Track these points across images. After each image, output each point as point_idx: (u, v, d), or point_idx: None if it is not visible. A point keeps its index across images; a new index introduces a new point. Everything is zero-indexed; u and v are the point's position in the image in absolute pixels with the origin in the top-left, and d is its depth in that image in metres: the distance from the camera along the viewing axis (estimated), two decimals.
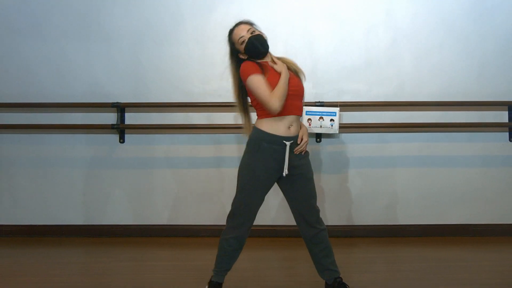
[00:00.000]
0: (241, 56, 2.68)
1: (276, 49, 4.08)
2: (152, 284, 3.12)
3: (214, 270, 2.71)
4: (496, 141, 4.27)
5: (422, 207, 4.27)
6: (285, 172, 2.58)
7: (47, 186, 4.31)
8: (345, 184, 4.28)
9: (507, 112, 4.24)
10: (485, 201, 4.27)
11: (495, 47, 4.25)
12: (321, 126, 4.09)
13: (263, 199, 2.66)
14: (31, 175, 4.31)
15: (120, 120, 4.22)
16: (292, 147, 2.62)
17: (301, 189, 2.65)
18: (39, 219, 4.31)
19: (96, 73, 4.28)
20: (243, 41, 2.63)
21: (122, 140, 4.26)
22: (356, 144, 4.27)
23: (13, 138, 4.30)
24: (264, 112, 2.61)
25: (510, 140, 4.26)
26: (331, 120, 4.09)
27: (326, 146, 4.26)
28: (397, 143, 4.27)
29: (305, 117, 4.08)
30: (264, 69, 2.63)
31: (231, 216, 2.65)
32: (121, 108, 4.22)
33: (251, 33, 2.64)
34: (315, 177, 4.10)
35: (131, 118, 4.26)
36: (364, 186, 4.28)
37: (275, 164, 2.60)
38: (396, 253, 3.81)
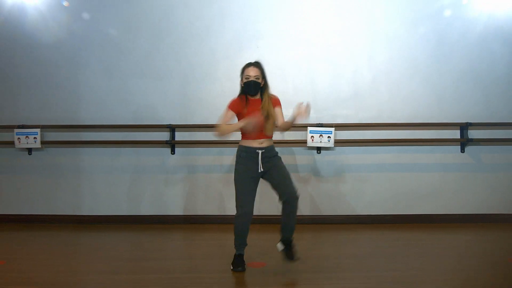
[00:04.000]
0: (241, 83, 3.18)
1: (286, 84, 4.47)
2: (198, 254, 3.61)
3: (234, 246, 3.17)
4: (451, 153, 4.58)
5: (395, 201, 4.59)
6: (260, 169, 3.05)
7: (117, 186, 4.66)
8: (339, 184, 4.60)
9: (459, 131, 4.56)
10: (442, 197, 4.58)
11: (451, 82, 4.57)
12: (321, 142, 4.42)
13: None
14: (105, 179, 4.66)
15: (172, 137, 4.58)
16: (263, 154, 3.07)
17: (278, 174, 3.09)
18: (112, 211, 4.66)
19: (153, 102, 4.64)
20: (247, 79, 3.11)
21: (173, 152, 4.63)
22: (347, 155, 4.59)
23: (93, 151, 4.67)
24: (243, 134, 3.11)
25: (461, 152, 4.57)
26: (328, 137, 4.42)
27: (324, 156, 4.60)
28: (377, 154, 4.58)
29: (308, 135, 4.42)
30: (247, 104, 3.10)
31: None
32: (172, 128, 4.57)
33: (256, 78, 3.09)
34: (316, 179, 4.46)
35: (180, 136, 4.63)
36: (353, 186, 4.61)
37: (252, 166, 3.07)
38: (376, 235, 4.17)
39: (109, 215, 4.69)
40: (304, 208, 4.49)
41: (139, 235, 4.29)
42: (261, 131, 3.12)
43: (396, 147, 4.61)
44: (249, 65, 3.15)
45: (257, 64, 3.15)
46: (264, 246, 3.80)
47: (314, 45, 4.63)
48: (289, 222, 3.12)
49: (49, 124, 4.66)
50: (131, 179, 4.69)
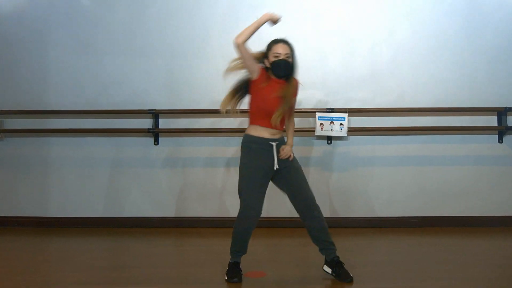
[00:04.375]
0: (266, 62, 3.06)
1: None
2: (188, 262, 3.57)
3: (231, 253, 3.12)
4: (486, 143, 4.52)
5: (420, 201, 4.52)
6: (276, 167, 3.01)
7: (91, 183, 4.60)
8: (353, 181, 4.54)
9: (496, 117, 4.49)
10: (477, 195, 4.52)
11: (485, 60, 4.51)
12: (332, 130, 4.37)
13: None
14: (77, 174, 4.60)
15: (155, 125, 4.52)
16: (278, 146, 3.04)
17: (292, 179, 3.06)
18: (85, 212, 4.59)
19: (134, 84, 4.58)
20: (276, 57, 3.00)
21: (156, 142, 4.57)
22: (363, 145, 4.55)
23: (61, 141, 4.60)
24: (254, 118, 3.05)
25: (499, 142, 4.51)
26: (341, 124, 4.37)
27: (336, 147, 4.55)
28: (398, 144, 4.53)
29: (317, 122, 4.36)
30: (267, 79, 3.01)
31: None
32: (156, 114, 4.51)
33: (287, 57, 3.01)
34: (327, 174, 4.40)
35: (164, 123, 4.57)
36: (370, 182, 4.55)
37: (265, 162, 3.02)
38: (398, 240, 4.13)
39: (82, 217, 4.63)
40: None
41: (118, 240, 4.28)
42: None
43: (421, 137, 4.56)
44: (277, 41, 3.07)
45: (286, 41, 3.08)
46: (264, 252, 3.76)
47: (324, 16, 4.57)
48: (321, 235, 3.09)
49: (10, 109, 4.60)
50: (108, 175, 4.64)
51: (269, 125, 3.03)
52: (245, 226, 3.05)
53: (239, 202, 3.05)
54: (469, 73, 4.54)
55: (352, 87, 4.56)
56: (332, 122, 4.40)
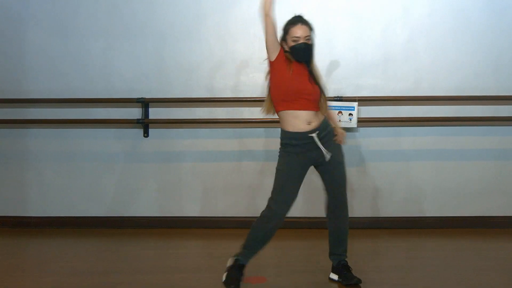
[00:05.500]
0: (284, 46, 3.02)
1: None
2: (181, 266, 3.55)
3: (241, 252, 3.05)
4: None
5: (439, 199, 4.50)
6: (327, 157, 2.99)
7: (73, 179, 4.59)
8: (363, 177, 4.51)
9: None
10: (502, 193, 4.48)
11: (511, 42, 4.46)
12: (340, 121, 4.30)
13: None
14: (58, 169, 4.59)
15: (145, 115, 4.49)
16: (319, 135, 2.98)
17: (335, 173, 3.07)
18: (66, 211, 4.59)
19: (120, 69, 4.55)
20: (295, 41, 2.96)
21: (146, 134, 4.55)
22: (374, 138, 4.51)
23: (40, 133, 4.58)
24: (279, 105, 3.00)
25: None
26: (350, 114, 4.34)
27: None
28: (414, 137, 4.50)
29: None
30: (291, 64, 3.00)
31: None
32: (145, 103, 4.48)
33: (306, 40, 2.97)
34: None
35: (155, 113, 4.54)
36: (382, 179, 4.52)
37: (307, 157, 3.01)
38: (414, 243, 4.11)
39: (64, 217, 4.63)
40: (318, 210, 4.32)
41: (104, 242, 4.29)
42: (309, 102, 3.00)
43: (439, 128, 4.52)
44: (295, 21, 3.01)
45: (304, 21, 3.04)
46: (267, 255, 3.66)
47: None
48: (341, 237, 3.17)
49: None
50: (93, 170, 4.62)
51: (302, 107, 2.98)
52: (273, 225, 3.01)
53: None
54: (493, 57, 4.48)
55: (362, 73, 4.51)
56: (340, 112, 4.36)
